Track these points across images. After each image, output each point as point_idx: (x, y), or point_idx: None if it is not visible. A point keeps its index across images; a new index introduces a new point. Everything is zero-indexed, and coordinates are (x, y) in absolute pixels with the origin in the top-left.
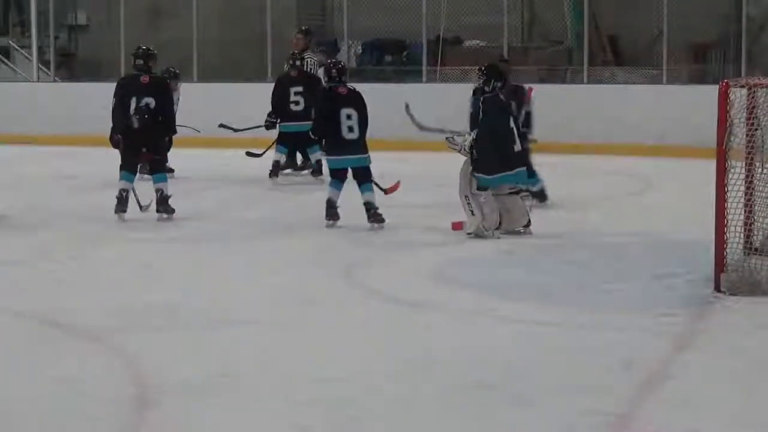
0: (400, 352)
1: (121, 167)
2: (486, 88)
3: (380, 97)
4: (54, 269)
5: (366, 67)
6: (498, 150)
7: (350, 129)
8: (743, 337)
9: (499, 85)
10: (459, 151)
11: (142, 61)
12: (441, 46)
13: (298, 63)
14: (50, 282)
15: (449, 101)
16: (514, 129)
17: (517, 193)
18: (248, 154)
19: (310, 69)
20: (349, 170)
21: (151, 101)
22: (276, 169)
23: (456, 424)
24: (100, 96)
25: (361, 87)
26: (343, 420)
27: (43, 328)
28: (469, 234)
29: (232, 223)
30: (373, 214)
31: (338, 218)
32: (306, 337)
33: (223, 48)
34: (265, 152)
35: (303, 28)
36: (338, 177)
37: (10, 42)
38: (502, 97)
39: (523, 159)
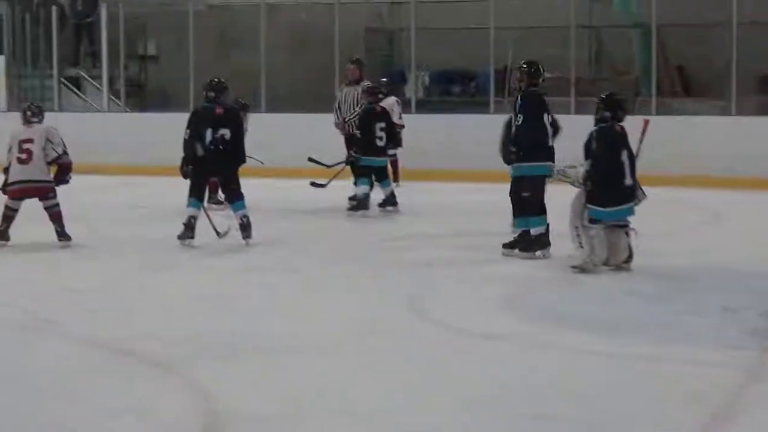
0: (465, 382)
1: (190, 194)
2: (600, 120)
3: (447, 128)
4: (125, 297)
5: (433, 98)
6: (611, 183)
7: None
8: None
9: (611, 115)
10: (572, 184)
11: (214, 93)
12: (509, 77)
13: (381, 96)
14: (121, 310)
15: None
16: (627, 162)
17: (622, 226)
18: (313, 184)
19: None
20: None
21: (226, 132)
22: (366, 203)
23: None
24: (169, 126)
25: (427, 117)
26: None
27: (114, 356)
28: (574, 268)
29: (299, 252)
30: None
31: None
32: (371, 368)
33: (291, 78)
34: (329, 182)
35: (355, 58)
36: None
37: (81, 72)
38: (617, 128)
39: (632, 194)
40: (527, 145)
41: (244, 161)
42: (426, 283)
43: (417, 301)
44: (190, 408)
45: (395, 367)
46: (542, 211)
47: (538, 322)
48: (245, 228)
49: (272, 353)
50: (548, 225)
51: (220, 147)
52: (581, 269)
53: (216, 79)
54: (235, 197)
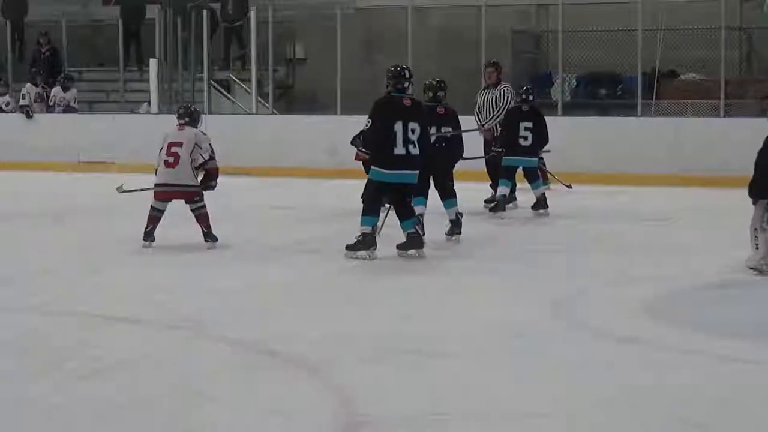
0: (605, 388)
1: (417, 193)
2: None
3: (594, 131)
4: (270, 298)
5: (580, 100)
6: None
7: None
8: None
9: None
10: None
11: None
12: (656, 79)
13: (530, 98)
14: (266, 311)
15: (664, 135)
16: None
17: None
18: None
19: (506, 99)
20: None
21: (449, 130)
22: (503, 204)
23: None
24: (316, 128)
25: (574, 120)
26: None
27: (260, 357)
28: (750, 269)
29: (448, 254)
30: None
31: None
32: (514, 371)
33: None
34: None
35: (492, 61)
36: None
37: (231, 75)
38: None
39: None
40: None
41: (461, 158)
42: (571, 286)
43: (561, 305)
44: (335, 410)
45: (538, 371)
46: None
47: (683, 327)
48: (455, 224)
49: (416, 355)
50: None
51: (443, 144)
52: (757, 271)
53: (436, 80)
54: (451, 194)
